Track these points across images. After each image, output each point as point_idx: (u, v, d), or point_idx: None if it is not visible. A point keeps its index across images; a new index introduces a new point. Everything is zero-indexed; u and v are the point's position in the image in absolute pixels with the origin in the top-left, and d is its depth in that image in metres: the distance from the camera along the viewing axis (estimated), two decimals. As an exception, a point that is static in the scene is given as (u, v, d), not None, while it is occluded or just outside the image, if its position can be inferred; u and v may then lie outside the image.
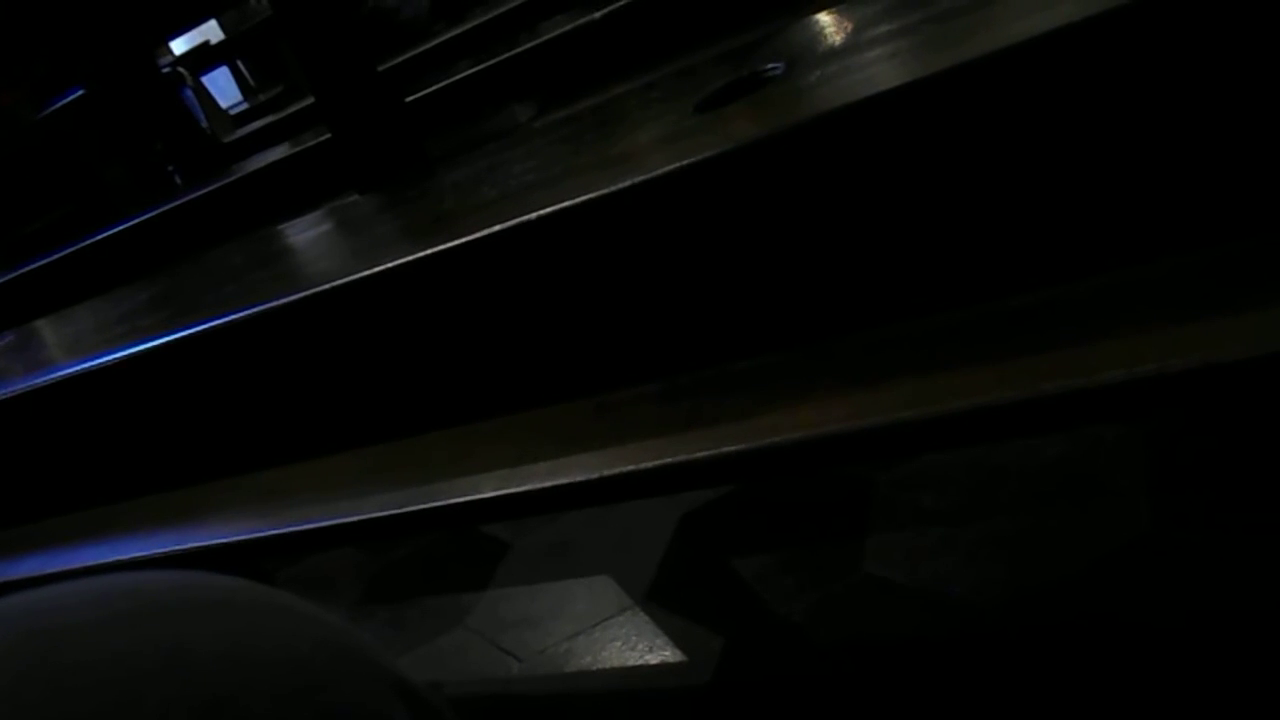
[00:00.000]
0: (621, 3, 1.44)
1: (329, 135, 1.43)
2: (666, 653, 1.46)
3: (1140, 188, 0.67)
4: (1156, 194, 0.66)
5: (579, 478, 0.86)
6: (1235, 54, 0.61)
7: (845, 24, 0.90)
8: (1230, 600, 1.12)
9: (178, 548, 1.16)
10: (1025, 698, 1.13)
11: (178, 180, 2.26)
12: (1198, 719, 1.02)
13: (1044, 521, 1.33)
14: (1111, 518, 1.29)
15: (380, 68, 1.46)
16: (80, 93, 2.26)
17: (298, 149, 1.68)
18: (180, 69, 2.61)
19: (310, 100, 1.89)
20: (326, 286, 0.98)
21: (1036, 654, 1.18)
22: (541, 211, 0.83)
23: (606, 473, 0.84)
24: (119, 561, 1.21)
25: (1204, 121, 0.63)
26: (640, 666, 1.46)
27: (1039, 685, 1.14)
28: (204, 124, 2.43)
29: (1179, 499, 1.27)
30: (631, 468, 0.83)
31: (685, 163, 0.76)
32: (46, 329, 1.70)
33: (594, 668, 1.50)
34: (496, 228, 0.86)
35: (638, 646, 1.50)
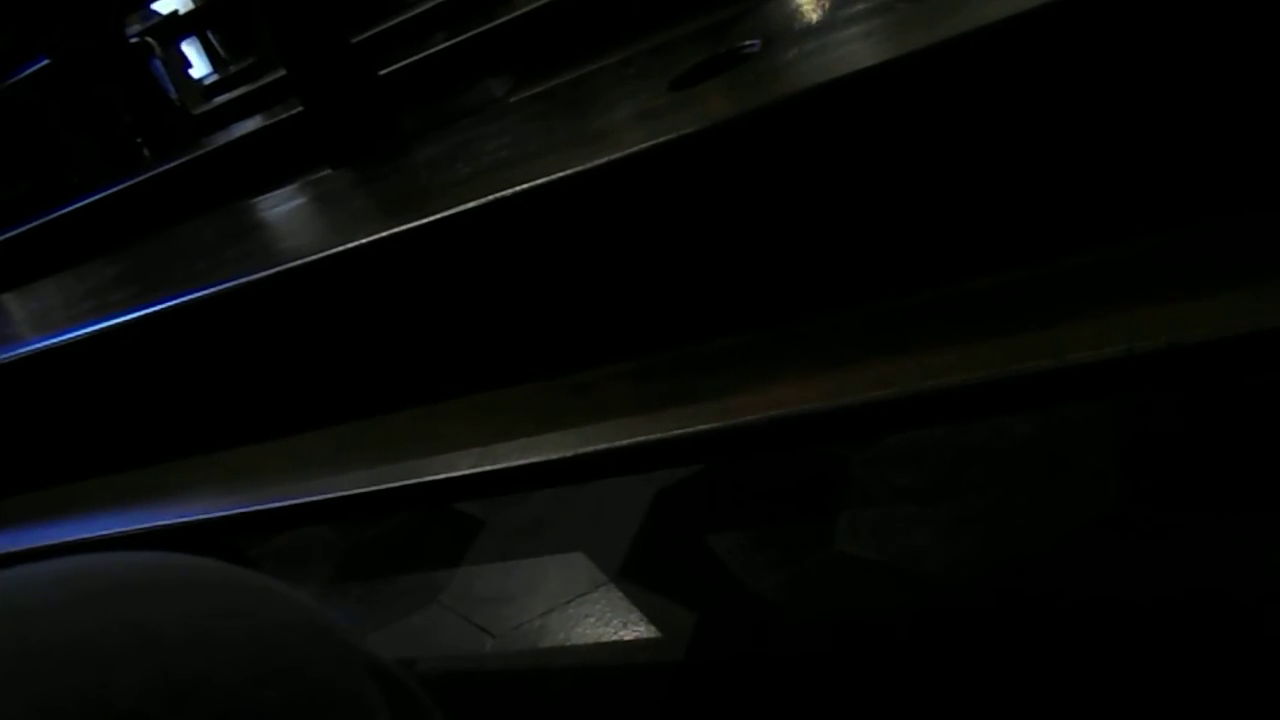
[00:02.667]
0: (598, -23, 1.43)
1: (301, 108, 1.42)
2: (640, 629, 1.47)
3: (1109, 170, 0.67)
4: (1125, 176, 0.67)
5: (554, 455, 0.86)
6: (1204, 39, 0.62)
7: (823, 1, 0.90)
8: (1193, 576, 1.14)
9: (147, 525, 1.15)
10: (995, 672, 1.15)
11: (146, 153, 2.22)
12: (1163, 693, 1.04)
13: (1013, 499, 1.35)
14: (1079, 496, 1.30)
15: (353, 40, 1.44)
16: (45, 62, 2.21)
17: (269, 122, 1.66)
18: (149, 38, 2.56)
19: (282, 72, 1.87)
20: (299, 262, 0.97)
21: (1006, 630, 1.20)
22: (516, 188, 0.83)
23: (581, 450, 0.84)
24: (87, 539, 1.20)
25: (1173, 105, 0.64)
26: (614, 643, 1.47)
27: (1008, 660, 1.15)
28: (173, 95, 2.39)
29: (1145, 478, 1.29)
30: (606, 446, 0.83)
31: (660, 141, 0.76)
32: (13, 304, 1.67)
33: (567, 644, 1.51)
34: (471, 204, 0.85)
35: (611, 623, 1.50)
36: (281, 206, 1.31)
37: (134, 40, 2.33)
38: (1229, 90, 0.62)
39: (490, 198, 0.84)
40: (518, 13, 1.50)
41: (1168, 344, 0.60)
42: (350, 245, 0.93)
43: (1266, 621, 1.05)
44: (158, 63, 2.38)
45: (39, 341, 1.22)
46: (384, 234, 0.91)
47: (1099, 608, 1.16)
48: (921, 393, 0.68)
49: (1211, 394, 1.30)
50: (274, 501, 1.06)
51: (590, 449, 0.84)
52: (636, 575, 1.58)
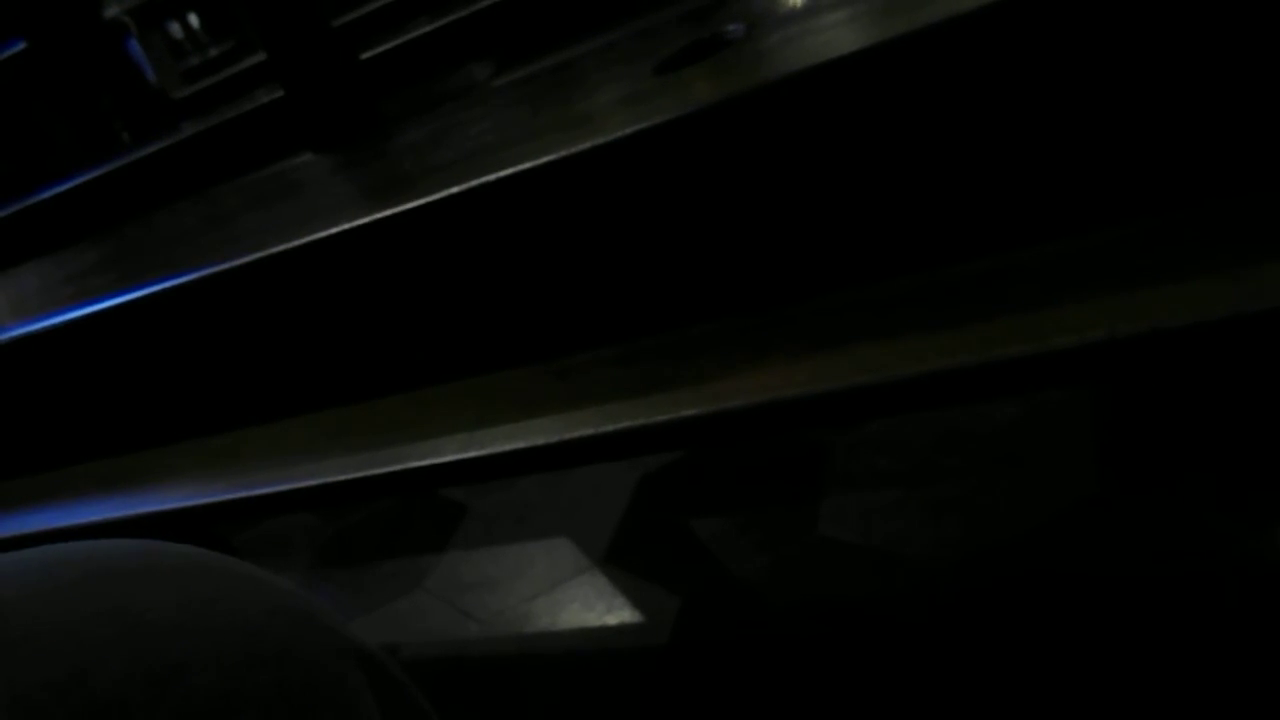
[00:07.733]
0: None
1: (282, 93, 1.40)
2: (624, 613, 1.48)
3: (1091, 155, 0.67)
4: (1107, 162, 0.67)
5: (539, 441, 0.86)
6: (1183, 28, 0.62)
7: (806, -14, 0.90)
8: (1172, 556, 1.16)
9: (130, 512, 1.15)
10: (978, 654, 1.16)
11: (125, 137, 2.20)
12: (1144, 671, 1.05)
13: (995, 483, 1.36)
14: (1060, 480, 1.31)
15: (334, 23, 1.43)
16: (21, 46, 2.18)
17: (250, 107, 1.65)
18: (125, 17, 2.53)
19: (263, 57, 1.85)
20: (281, 248, 0.97)
21: (988, 611, 1.21)
22: (499, 173, 0.82)
23: (566, 436, 0.84)
24: (69, 527, 1.19)
25: (1153, 91, 0.64)
26: (598, 627, 1.47)
27: (990, 642, 1.16)
28: (152, 79, 2.36)
29: (1124, 461, 1.30)
30: (591, 431, 0.83)
31: (644, 126, 0.75)
32: (-10, 289, 1.66)
33: (552, 629, 1.51)
34: (454, 189, 0.85)
35: (596, 607, 1.51)
36: (263, 191, 1.30)
37: (110, 20, 2.30)
38: (1209, 78, 0.63)
39: (473, 183, 0.84)
40: (501, -4, 1.49)
41: (1149, 328, 0.61)
42: (332, 231, 0.93)
43: (1243, 600, 1.06)
44: (136, 45, 2.35)
45: (18, 328, 1.21)
46: (366, 220, 0.91)
47: (1080, 589, 1.17)
48: (904, 378, 0.69)
49: (1190, 377, 1.32)
50: (258, 488, 1.05)
51: (574, 435, 0.84)
52: (621, 560, 1.58)
